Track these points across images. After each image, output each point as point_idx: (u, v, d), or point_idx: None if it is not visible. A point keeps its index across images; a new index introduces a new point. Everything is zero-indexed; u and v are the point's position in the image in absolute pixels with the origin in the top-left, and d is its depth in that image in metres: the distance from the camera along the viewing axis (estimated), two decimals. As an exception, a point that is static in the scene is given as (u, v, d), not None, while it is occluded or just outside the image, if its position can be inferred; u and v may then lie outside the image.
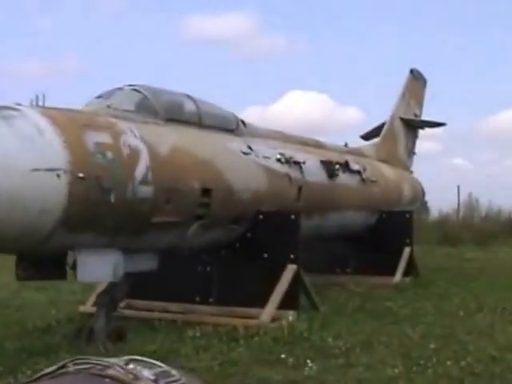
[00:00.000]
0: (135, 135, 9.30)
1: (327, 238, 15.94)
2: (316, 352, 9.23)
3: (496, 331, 10.51)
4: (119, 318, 11.37)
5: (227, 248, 11.82)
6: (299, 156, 13.52)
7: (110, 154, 8.70)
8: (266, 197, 11.92)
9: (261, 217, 11.74)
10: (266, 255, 11.62)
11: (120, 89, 10.38)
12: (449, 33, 61.12)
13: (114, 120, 9.31)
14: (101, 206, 8.58)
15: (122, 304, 12.21)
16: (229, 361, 8.74)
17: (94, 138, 8.63)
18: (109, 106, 9.86)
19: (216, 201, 10.60)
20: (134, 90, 10.41)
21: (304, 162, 13.35)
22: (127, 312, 11.81)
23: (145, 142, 9.37)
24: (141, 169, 9.10)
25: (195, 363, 8.60)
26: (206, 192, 10.37)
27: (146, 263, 10.14)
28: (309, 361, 8.56)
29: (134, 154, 9.09)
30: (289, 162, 12.95)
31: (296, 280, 11.51)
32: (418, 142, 23.29)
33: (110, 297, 9.74)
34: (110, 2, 58.78)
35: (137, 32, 59.11)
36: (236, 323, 10.66)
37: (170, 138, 10.06)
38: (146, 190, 9.17)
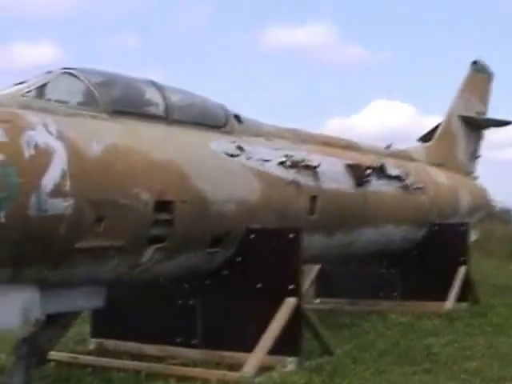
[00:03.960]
0: (49, 131, 6.85)
1: (361, 257, 13.28)
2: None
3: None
4: (75, 365, 9.14)
5: (213, 276, 9.30)
6: (315, 158, 10.87)
7: (1, 157, 6.28)
8: (259, 210, 9.34)
9: (252, 236, 9.17)
10: (259, 285, 9.04)
11: (49, 73, 7.96)
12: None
13: (19, 112, 6.88)
14: (-16, 226, 6.19)
15: (91, 346, 10.04)
16: None
17: (-26, 134, 6.24)
18: (24, 95, 7.45)
19: (181, 217, 8.08)
20: (69, 74, 7.97)
21: (318, 166, 10.67)
22: (86, 358, 9.44)
23: (64, 140, 6.91)
24: (52, 175, 6.64)
25: None
26: (164, 205, 7.86)
27: (84, 300, 7.73)
28: None
29: (43, 156, 6.64)
30: (297, 165, 10.32)
31: (296, 317, 8.88)
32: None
33: (29, 347, 7.29)
34: (190, 16, 56.94)
35: (218, 45, 57.30)
36: (210, 377, 8.14)
37: (110, 134, 7.58)
38: (61, 205, 6.70)
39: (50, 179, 6.61)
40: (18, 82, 7.79)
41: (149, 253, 7.90)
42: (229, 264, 9.23)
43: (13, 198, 6.31)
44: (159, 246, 7.97)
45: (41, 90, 7.66)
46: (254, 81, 57.95)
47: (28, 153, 6.52)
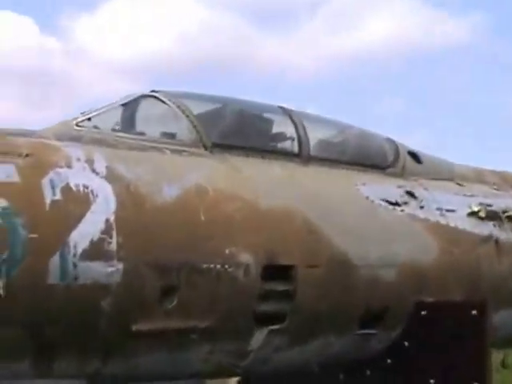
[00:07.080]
0: (94, 169, 4.97)
1: None
2: None
3: None
4: None
5: (374, 365, 6.95)
6: (526, 208, 8.24)
7: (3, 204, 4.47)
8: (436, 277, 6.88)
9: (423, 313, 6.73)
10: (432, 381, 6.57)
11: (128, 97, 6.13)
12: None
13: (53, 144, 5.07)
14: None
15: None
16: None
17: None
18: (79, 124, 5.66)
19: (308, 287, 5.86)
20: (152, 97, 6.10)
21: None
22: None
23: (115, 182, 5.00)
24: (88, 229, 4.73)
25: None
26: (279, 271, 5.69)
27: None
28: None
29: (75, 203, 4.76)
30: (496, 217, 7.76)
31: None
32: None
33: None
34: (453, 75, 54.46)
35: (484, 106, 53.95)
36: None
37: (195, 174, 5.57)
38: (103, 270, 4.75)
39: (84, 234, 4.70)
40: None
41: (259, 337, 5.73)
42: (393, 350, 6.84)
43: (18, 260, 4.45)
44: (276, 327, 5.78)
45: (110, 117, 5.86)
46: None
47: (50, 198, 4.65)
